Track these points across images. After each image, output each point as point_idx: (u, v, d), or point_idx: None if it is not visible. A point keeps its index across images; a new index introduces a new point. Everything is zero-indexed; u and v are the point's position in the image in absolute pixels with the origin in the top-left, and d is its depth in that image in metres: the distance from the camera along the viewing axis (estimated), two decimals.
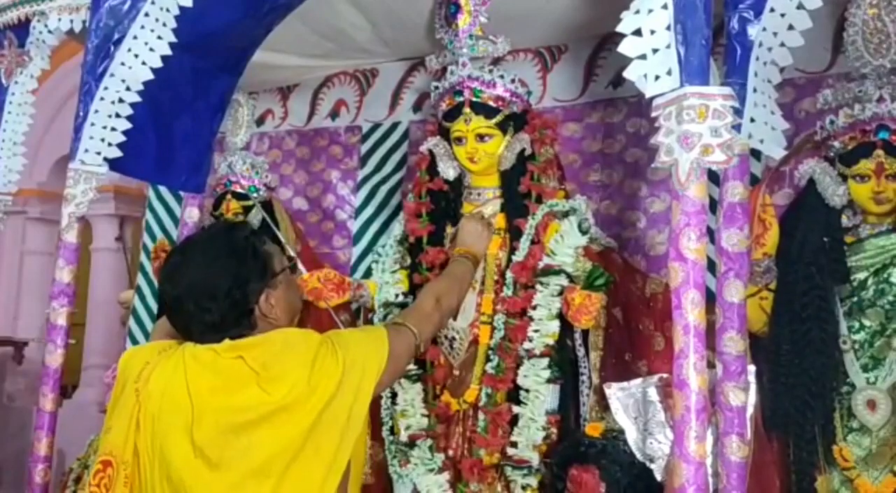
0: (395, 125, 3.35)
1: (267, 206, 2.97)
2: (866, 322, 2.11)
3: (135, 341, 3.61)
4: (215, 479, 1.47)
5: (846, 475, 2.07)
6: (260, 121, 3.59)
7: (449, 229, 2.49)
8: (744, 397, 1.61)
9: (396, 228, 2.62)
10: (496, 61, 2.48)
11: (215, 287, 1.54)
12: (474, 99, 2.39)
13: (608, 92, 2.91)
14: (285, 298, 1.65)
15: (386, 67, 3.35)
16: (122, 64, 2.13)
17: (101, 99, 2.13)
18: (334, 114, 3.50)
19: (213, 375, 1.52)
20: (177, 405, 1.51)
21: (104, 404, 3.19)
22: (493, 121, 2.38)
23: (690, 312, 1.41)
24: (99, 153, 2.15)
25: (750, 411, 1.65)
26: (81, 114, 2.15)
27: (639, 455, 1.83)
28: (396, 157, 3.33)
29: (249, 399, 1.50)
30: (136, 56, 2.13)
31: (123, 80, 2.13)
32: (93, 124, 2.14)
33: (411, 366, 2.42)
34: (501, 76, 2.40)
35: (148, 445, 1.52)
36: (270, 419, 1.49)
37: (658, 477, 1.81)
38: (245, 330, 1.58)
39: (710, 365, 1.56)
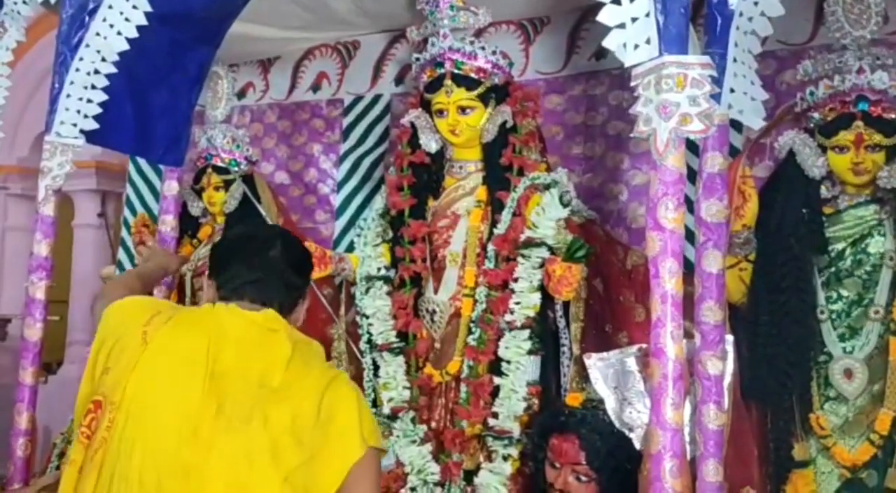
0: (377, 98, 3.33)
1: (248, 180, 2.95)
2: (844, 292, 2.13)
3: None
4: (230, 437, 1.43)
5: (823, 442, 2.10)
6: (241, 94, 3.55)
7: (431, 203, 2.48)
8: (721, 366, 1.62)
9: (378, 202, 2.61)
10: (478, 33, 2.46)
11: (304, 263, 1.67)
12: (456, 71, 2.37)
13: (591, 64, 2.89)
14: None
15: (367, 40, 3.32)
16: (98, 34, 2.09)
17: (77, 70, 2.10)
18: (316, 87, 3.47)
19: (249, 343, 1.52)
20: (191, 360, 1.48)
21: None
22: (475, 93, 2.37)
23: (668, 280, 1.42)
24: (75, 125, 2.12)
25: (728, 380, 1.67)
26: (57, 85, 2.12)
27: (618, 424, 1.85)
28: (379, 130, 3.31)
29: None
30: (112, 26, 2.09)
31: (99, 51, 2.10)
32: (68, 96, 2.11)
33: (393, 339, 2.42)
34: (483, 48, 2.39)
35: (139, 386, 1.48)
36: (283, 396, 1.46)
37: (637, 445, 1.82)
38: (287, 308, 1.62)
39: (689, 335, 1.58)
